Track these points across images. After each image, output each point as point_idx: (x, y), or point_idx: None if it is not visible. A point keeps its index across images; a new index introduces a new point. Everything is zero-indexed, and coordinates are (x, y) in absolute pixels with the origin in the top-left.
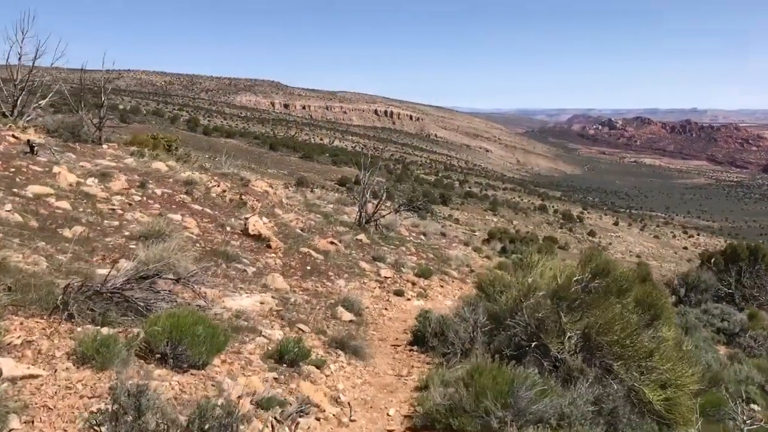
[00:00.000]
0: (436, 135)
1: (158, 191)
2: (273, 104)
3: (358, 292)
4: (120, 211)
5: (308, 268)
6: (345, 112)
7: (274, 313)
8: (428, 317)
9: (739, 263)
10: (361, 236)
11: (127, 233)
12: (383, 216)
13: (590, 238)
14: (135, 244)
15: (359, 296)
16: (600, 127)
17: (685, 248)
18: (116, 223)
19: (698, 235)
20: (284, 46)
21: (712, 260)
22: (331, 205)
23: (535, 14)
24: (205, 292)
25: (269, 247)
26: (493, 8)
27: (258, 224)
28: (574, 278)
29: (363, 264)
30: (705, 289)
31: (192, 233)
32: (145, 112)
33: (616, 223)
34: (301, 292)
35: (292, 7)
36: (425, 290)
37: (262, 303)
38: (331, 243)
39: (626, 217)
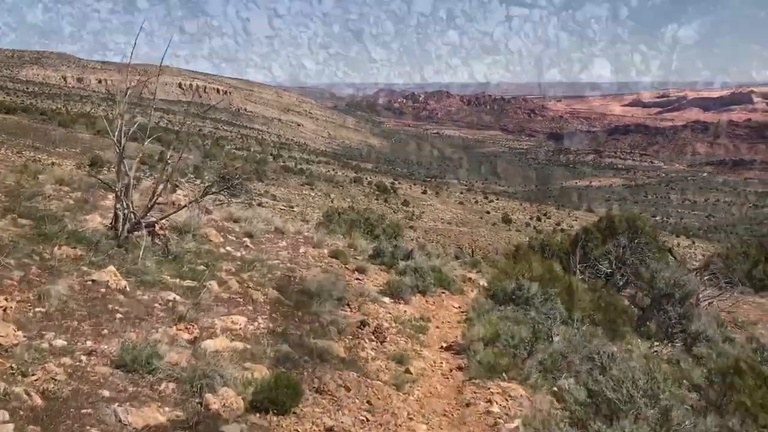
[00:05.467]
0: (246, 109)
1: None
2: (65, 78)
3: None
4: None
5: None
6: (146, 86)
7: None
8: None
9: (617, 237)
10: (109, 271)
11: None
12: (176, 209)
13: (404, 207)
14: None
15: None
16: (404, 100)
17: (488, 212)
18: None
19: (497, 199)
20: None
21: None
22: (75, 194)
23: None
24: None
25: None
26: None
27: None
28: None
29: None
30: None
31: None
32: None
33: (424, 192)
34: None
35: None
36: None
37: None
38: None
39: (433, 186)
